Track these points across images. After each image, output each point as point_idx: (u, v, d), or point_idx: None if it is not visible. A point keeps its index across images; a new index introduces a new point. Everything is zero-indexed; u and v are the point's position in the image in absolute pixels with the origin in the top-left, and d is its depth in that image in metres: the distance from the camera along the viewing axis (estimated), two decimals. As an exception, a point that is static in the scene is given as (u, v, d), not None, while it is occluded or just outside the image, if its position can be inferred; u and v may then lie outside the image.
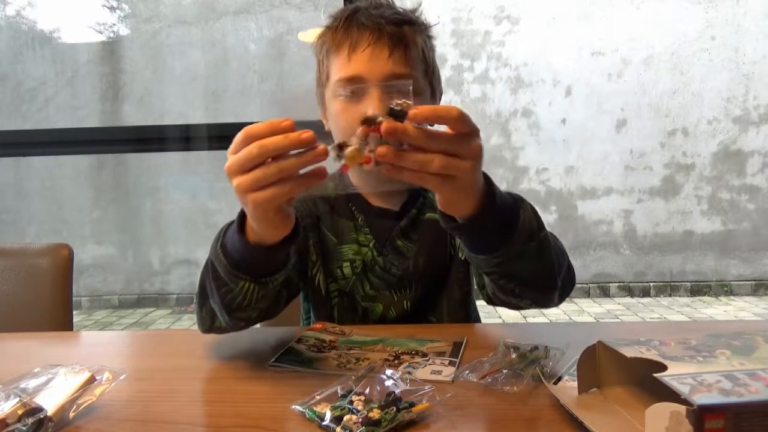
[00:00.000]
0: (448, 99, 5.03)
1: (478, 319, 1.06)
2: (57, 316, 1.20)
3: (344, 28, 0.89)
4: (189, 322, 4.75)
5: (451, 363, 0.71)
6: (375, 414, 0.53)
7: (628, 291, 5.20)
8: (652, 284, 5.21)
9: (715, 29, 5.08)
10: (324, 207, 1.00)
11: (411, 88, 0.62)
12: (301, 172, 0.59)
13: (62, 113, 5.18)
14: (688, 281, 5.22)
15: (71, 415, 0.56)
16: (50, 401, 0.56)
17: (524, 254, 0.69)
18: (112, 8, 5.34)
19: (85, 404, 0.58)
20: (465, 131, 0.59)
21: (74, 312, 1.26)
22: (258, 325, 0.84)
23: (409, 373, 0.67)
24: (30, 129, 4.80)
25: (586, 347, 0.59)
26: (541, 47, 5.17)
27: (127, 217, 5.36)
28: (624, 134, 5.20)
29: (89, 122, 5.16)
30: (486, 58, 5.27)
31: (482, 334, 0.88)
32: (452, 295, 0.98)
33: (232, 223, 0.70)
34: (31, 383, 0.60)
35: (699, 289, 5.17)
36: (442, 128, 0.59)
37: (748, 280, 5.20)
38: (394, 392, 0.57)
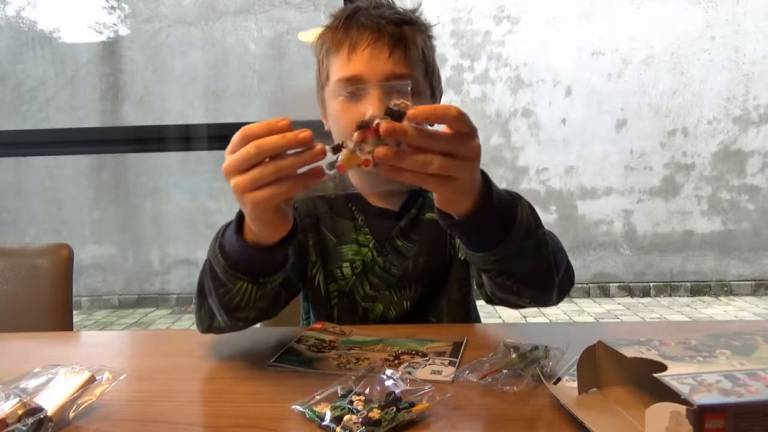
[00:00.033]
0: (448, 99, 5.02)
1: (478, 319, 1.05)
2: (57, 316, 1.20)
3: (344, 28, 0.89)
4: (189, 322, 4.74)
5: (451, 363, 0.71)
6: (375, 414, 0.53)
7: (628, 291, 5.20)
8: (652, 284, 5.21)
9: (715, 29, 5.08)
10: (323, 207, 1.00)
11: (410, 88, 0.62)
12: (299, 171, 0.59)
13: (62, 113, 5.18)
14: (688, 281, 5.22)
15: (71, 415, 0.56)
16: (50, 401, 0.56)
17: (522, 252, 0.69)
18: (112, 8, 5.34)
19: (85, 404, 0.58)
20: (464, 131, 0.59)
21: (74, 312, 1.26)
22: (258, 325, 0.84)
23: (409, 373, 0.67)
24: (30, 129, 4.79)
25: (586, 347, 0.59)
26: (541, 47, 5.17)
27: (127, 217, 5.36)
28: (624, 134, 5.20)
29: (89, 122, 5.16)
30: (486, 58, 5.27)
31: (482, 334, 0.88)
32: (452, 295, 0.98)
33: (230, 223, 0.70)
34: (31, 383, 0.60)
35: (699, 289, 5.17)
36: (441, 128, 0.59)
37: (748, 280, 5.20)
38: (394, 392, 0.57)
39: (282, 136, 0.57)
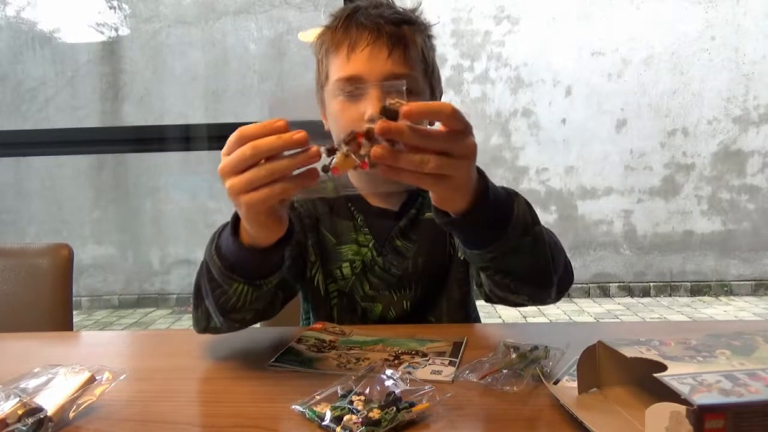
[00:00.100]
0: (448, 99, 4.99)
1: (477, 319, 1.05)
2: (57, 316, 1.20)
3: (343, 28, 0.89)
4: (189, 322, 4.66)
5: (451, 363, 0.71)
6: (375, 414, 0.53)
7: (628, 291, 5.20)
8: (652, 284, 5.21)
9: (715, 29, 5.09)
10: (323, 207, 1.00)
11: (405, 87, 0.62)
12: (294, 173, 0.59)
13: (62, 113, 5.18)
14: (688, 281, 5.22)
15: (71, 415, 0.56)
16: (50, 401, 0.56)
17: (519, 249, 0.69)
18: (112, 8, 5.34)
19: (85, 404, 0.58)
20: (458, 128, 0.58)
21: (74, 312, 1.26)
22: (258, 325, 0.84)
23: (409, 373, 0.67)
24: (30, 129, 4.80)
25: (586, 347, 0.59)
26: (541, 47, 5.17)
27: (127, 217, 5.36)
28: (624, 134, 5.21)
29: (89, 122, 5.16)
30: (486, 58, 5.27)
31: (482, 334, 0.88)
32: (452, 295, 0.98)
33: (227, 224, 0.70)
34: (31, 383, 0.60)
35: (699, 289, 5.17)
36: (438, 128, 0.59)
37: (748, 280, 5.20)
38: (394, 392, 0.57)
39: (278, 137, 0.57)
